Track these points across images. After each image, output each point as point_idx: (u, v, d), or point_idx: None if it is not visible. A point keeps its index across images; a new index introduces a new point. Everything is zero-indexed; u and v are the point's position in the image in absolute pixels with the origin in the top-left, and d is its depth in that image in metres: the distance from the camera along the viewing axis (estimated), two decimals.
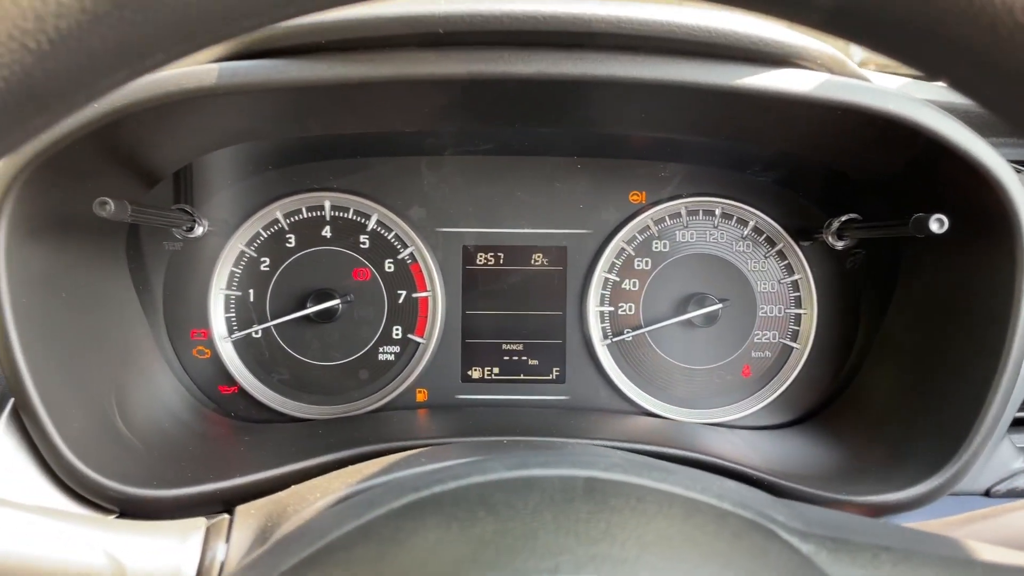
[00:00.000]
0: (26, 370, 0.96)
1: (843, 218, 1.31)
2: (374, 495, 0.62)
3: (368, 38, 0.91)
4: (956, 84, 0.45)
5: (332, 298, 1.38)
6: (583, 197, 1.42)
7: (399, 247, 1.42)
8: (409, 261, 1.43)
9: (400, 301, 1.43)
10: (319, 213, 1.41)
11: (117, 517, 1.01)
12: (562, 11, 0.87)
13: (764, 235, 1.43)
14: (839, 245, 1.34)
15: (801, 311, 1.43)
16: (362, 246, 1.42)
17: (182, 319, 1.39)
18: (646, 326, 1.43)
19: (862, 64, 1.11)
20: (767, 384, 1.44)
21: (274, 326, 1.41)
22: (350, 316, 1.42)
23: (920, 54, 0.43)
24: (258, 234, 1.40)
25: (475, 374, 1.45)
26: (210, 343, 1.40)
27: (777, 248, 1.42)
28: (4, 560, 0.72)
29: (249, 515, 0.86)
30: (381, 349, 1.43)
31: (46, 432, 0.96)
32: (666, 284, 1.43)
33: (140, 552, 0.78)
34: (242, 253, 1.40)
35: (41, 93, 0.40)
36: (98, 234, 1.16)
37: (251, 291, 1.41)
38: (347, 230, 1.41)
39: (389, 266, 1.42)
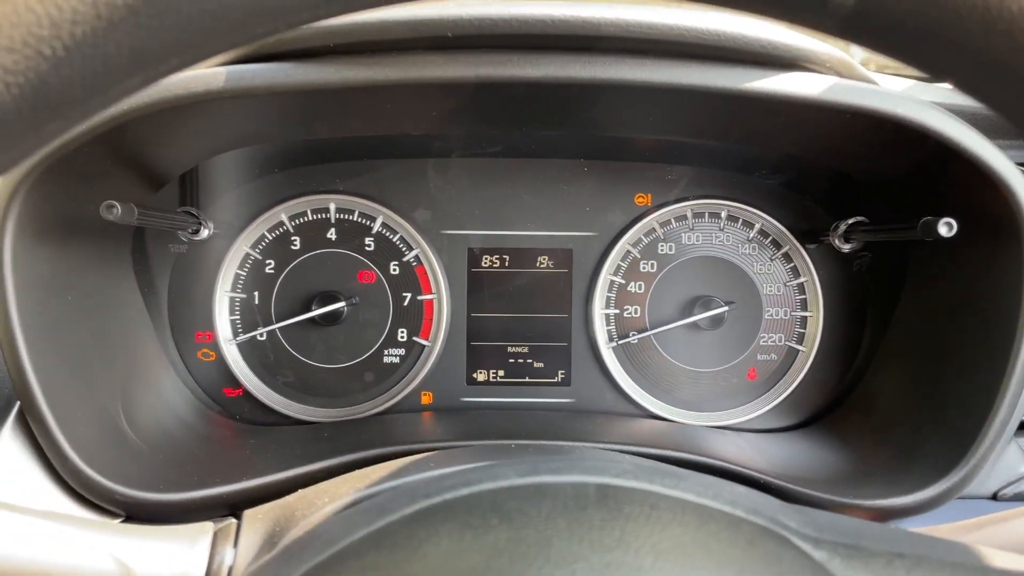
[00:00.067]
0: (32, 373, 0.96)
1: (850, 221, 1.31)
2: (384, 501, 0.62)
3: (376, 41, 0.91)
4: (966, 87, 0.45)
5: (337, 301, 1.38)
6: (589, 200, 1.42)
7: (404, 249, 1.42)
8: (414, 263, 1.42)
9: (405, 303, 1.43)
10: (324, 215, 1.41)
11: (123, 521, 1.01)
12: (571, 14, 0.87)
13: (770, 238, 1.43)
14: (845, 248, 1.34)
15: (807, 314, 1.43)
16: (367, 248, 1.42)
17: (187, 322, 1.39)
18: (652, 329, 1.42)
19: (861, 64, 1.11)
20: (773, 387, 1.44)
21: (279, 329, 1.41)
22: (355, 319, 1.42)
23: (935, 59, 0.43)
24: (263, 236, 1.40)
25: (480, 377, 1.45)
26: (215, 346, 1.40)
27: (783, 251, 1.42)
28: (12, 565, 0.72)
29: (257, 519, 0.85)
30: (386, 352, 1.43)
31: (52, 436, 0.96)
32: (672, 287, 1.43)
33: (148, 557, 0.77)
34: (247, 255, 1.40)
35: (56, 99, 0.40)
36: (103, 237, 1.16)
37: (256, 293, 1.41)
38: (352, 232, 1.41)
39: (394, 268, 1.42)
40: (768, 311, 1.43)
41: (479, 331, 1.44)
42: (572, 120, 1.12)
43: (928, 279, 1.23)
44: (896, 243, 1.30)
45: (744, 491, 0.70)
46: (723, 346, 1.43)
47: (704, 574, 0.49)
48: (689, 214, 1.42)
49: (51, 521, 0.76)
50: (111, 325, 1.19)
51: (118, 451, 1.06)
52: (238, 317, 1.41)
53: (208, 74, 0.90)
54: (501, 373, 1.45)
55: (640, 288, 1.44)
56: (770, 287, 1.43)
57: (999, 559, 0.64)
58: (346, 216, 1.41)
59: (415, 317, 1.43)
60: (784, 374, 1.44)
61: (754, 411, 1.43)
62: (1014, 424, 1.06)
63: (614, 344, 1.44)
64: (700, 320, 1.40)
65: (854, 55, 1.12)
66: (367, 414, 1.42)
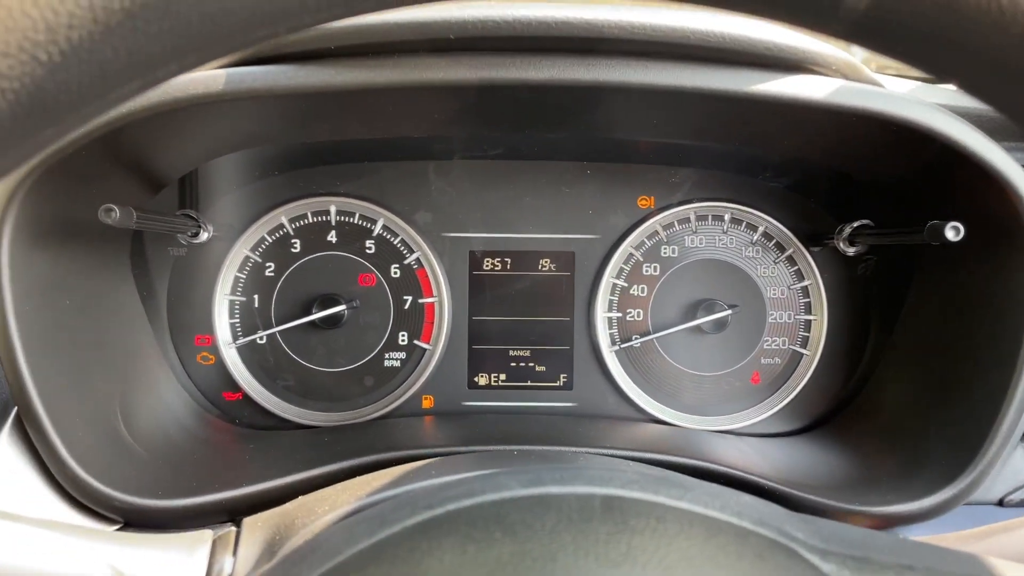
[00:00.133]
0: (30, 378, 0.95)
1: (855, 224, 1.30)
2: (386, 511, 0.61)
3: (377, 43, 0.90)
4: (974, 89, 0.44)
5: (338, 304, 1.37)
6: (591, 202, 1.41)
7: (405, 252, 1.41)
8: (415, 266, 1.41)
9: (406, 307, 1.42)
10: (325, 218, 1.40)
11: (121, 527, 1.00)
12: (574, 16, 0.86)
13: (774, 240, 1.42)
14: (850, 251, 1.33)
15: (811, 317, 1.42)
16: (368, 251, 1.41)
17: (186, 325, 1.38)
18: (654, 332, 1.42)
19: (861, 63, 1.10)
20: (777, 391, 1.43)
21: (279, 332, 1.40)
22: (356, 322, 1.41)
23: (945, 62, 0.42)
24: (263, 239, 1.39)
25: (482, 380, 1.44)
26: (214, 349, 1.39)
27: (787, 254, 1.41)
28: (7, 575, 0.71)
29: (256, 528, 0.84)
30: (387, 355, 1.42)
31: (50, 442, 0.95)
32: (675, 290, 1.42)
33: (146, 566, 0.76)
34: (247, 258, 1.39)
35: (52, 105, 0.39)
36: (102, 240, 1.15)
37: (256, 296, 1.40)
38: (353, 235, 1.40)
39: (395, 271, 1.41)
40: (772, 314, 1.42)
41: (480, 334, 1.43)
42: (575, 123, 1.11)
43: (934, 283, 1.22)
44: (901, 246, 1.29)
45: (750, 500, 0.69)
46: (726, 350, 1.42)
47: None
48: (692, 216, 1.41)
49: (47, 530, 0.75)
50: (109, 329, 1.18)
51: (116, 456, 1.05)
52: (238, 320, 1.40)
53: (208, 76, 0.89)
54: (503, 377, 1.44)
55: (643, 291, 1.43)
56: (774, 290, 1.42)
57: (1008, 570, 0.63)
58: (347, 218, 1.40)
59: (416, 320, 1.42)
60: (788, 378, 1.43)
61: (758, 415, 1.42)
62: (1021, 429, 1.05)
63: (616, 348, 1.43)
64: (703, 324, 1.39)
65: (854, 54, 1.11)
66: (368, 418, 1.41)
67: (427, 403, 1.43)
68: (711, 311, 1.39)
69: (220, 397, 1.40)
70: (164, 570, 0.77)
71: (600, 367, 1.43)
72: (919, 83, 1.35)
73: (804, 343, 1.42)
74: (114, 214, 0.97)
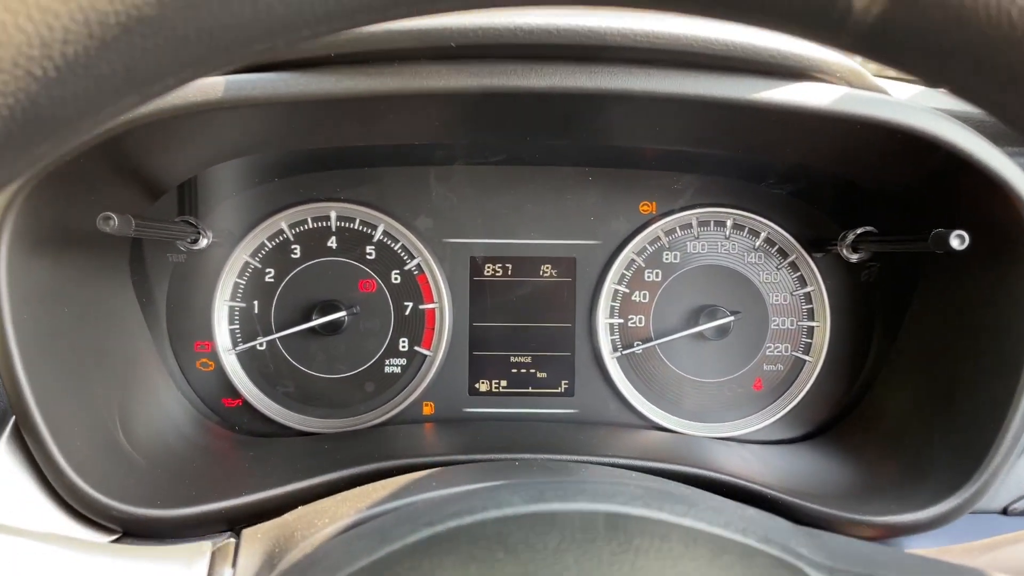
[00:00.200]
0: (28, 387, 0.94)
1: (858, 231, 1.29)
2: (386, 527, 0.60)
3: (378, 51, 0.89)
4: (982, 102, 0.44)
5: (338, 310, 1.36)
6: (593, 208, 1.40)
7: (406, 258, 1.40)
8: (416, 272, 1.41)
9: (407, 313, 1.41)
10: (325, 224, 1.39)
11: (120, 537, 0.99)
12: (577, 24, 0.85)
13: (776, 246, 1.41)
14: (854, 258, 1.32)
15: (814, 323, 1.41)
16: (368, 257, 1.40)
17: (186, 331, 1.37)
18: (656, 338, 1.41)
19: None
20: (779, 397, 1.42)
21: (279, 338, 1.39)
22: (356, 328, 1.40)
23: (951, 74, 0.42)
24: (263, 245, 1.39)
25: (483, 387, 1.43)
26: (214, 355, 1.38)
27: (790, 260, 1.40)
28: None
29: (255, 539, 0.84)
30: (387, 361, 1.41)
31: (48, 451, 0.95)
32: (677, 296, 1.41)
33: None
34: (247, 264, 1.38)
35: (47, 120, 0.39)
36: (101, 247, 1.14)
37: (256, 303, 1.39)
38: (353, 241, 1.39)
39: (396, 277, 1.40)
40: (774, 321, 1.41)
41: (481, 341, 1.42)
42: (577, 130, 1.11)
43: (938, 290, 1.21)
44: (905, 253, 1.28)
45: (755, 515, 0.68)
46: (728, 356, 1.42)
47: None
48: (694, 222, 1.41)
49: (44, 543, 0.74)
50: (108, 336, 1.17)
51: (115, 465, 1.04)
52: (237, 326, 1.39)
53: (207, 84, 0.88)
54: (504, 383, 1.43)
55: (645, 297, 1.42)
56: (776, 296, 1.41)
57: None
58: (347, 224, 1.39)
59: (417, 326, 1.41)
60: (790, 385, 1.42)
61: (760, 422, 1.41)
62: None
63: (618, 354, 1.42)
64: (705, 330, 1.38)
65: (858, 61, 1.11)
66: (368, 425, 1.40)
67: (428, 410, 1.43)
68: (713, 317, 1.38)
69: (219, 404, 1.39)
70: None
71: (601, 373, 1.42)
72: (921, 89, 1.34)
73: (807, 350, 1.41)
74: (113, 222, 0.96)
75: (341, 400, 1.41)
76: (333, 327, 1.37)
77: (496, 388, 1.43)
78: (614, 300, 1.42)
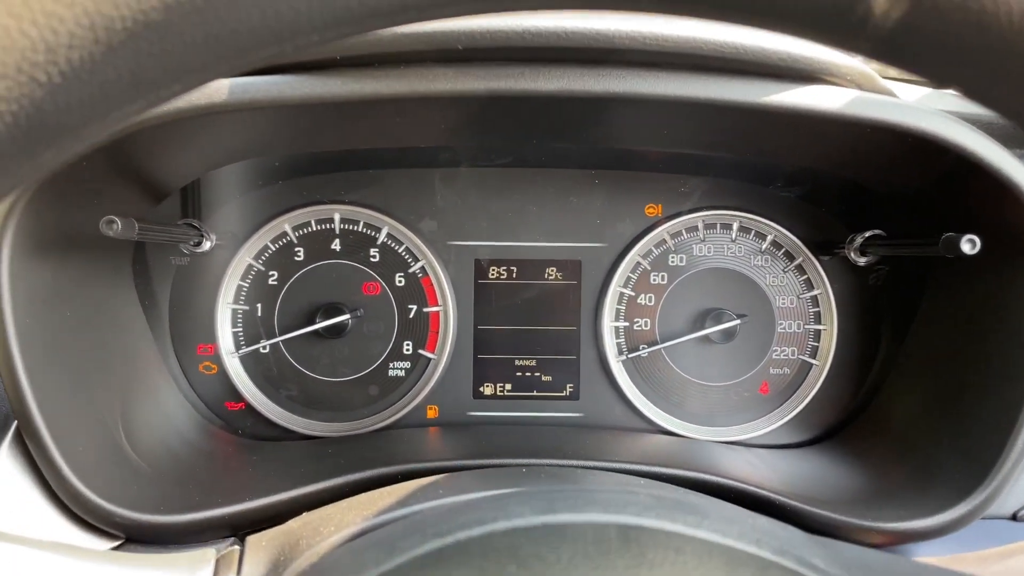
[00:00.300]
0: (29, 392, 0.93)
1: (867, 234, 1.28)
2: (394, 537, 0.59)
3: (384, 53, 0.88)
4: (999, 107, 0.44)
5: (341, 313, 1.35)
6: (598, 210, 1.39)
7: (410, 261, 1.39)
8: (420, 275, 1.40)
9: (411, 316, 1.40)
10: (329, 226, 1.38)
11: (123, 543, 0.98)
12: (585, 27, 0.84)
13: (783, 249, 1.40)
14: (862, 261, 1.31)
15: (821, 327, 1.40)
16: (372, 260, 1.39)
17: (188, 334, 1.36)
18: (662, 342, 1.40)
19: None
20: (786, 401, 1.41)
21: (282, 341, 1.38)
22: (360, 331, 1.39)
23: (973, 82, 0.42)
24: (266, 247, 1.38)
25: (487, 390, 1.42)
26: (217, 358, 1.37)
27: (796, 263, 1.39)
28: None
29: (260, 547, 0.83)
30: (391, 365, 1.41)
31: (50, 456, 0.94)
32: (683, 299, 1.40)
33: None
34: (250, 267, 1.38)
35: (51, 127, 0.38)
36: (103, 250, 1.14)
37: (259, 305, 1.38)
38: (357, 243, 1.39)
39: (400, 280, 1.40)
40: (781, 324, 1.40)
41: (486, 344, 1.41)
42: (585, 134, 1.10)
43: (946, 293, 1.20)
44: (914, 256, 1.27)
45: (767, 525, 0.67)
46: (735, 360, 1.41)
47: None
48: (700, 225, 1.40)
49: (46, 551, 0.73)
50: (111, 339, 1.16)
51: (118, 471, 1.03)
52: (240, 329, 1.38)
53: (211, 87, 0.87)
54: (508, 387, 1.42)
55: (650, 300, 1.41)
56: (783, 300, 1.40)
57: None
58: (351, 227, 1.39)
59: (421, 329, 1.40)
60: (797, 388, 1.41)
61: (766, 426, 1.40)
62: None
63: (624, 357, 1.41)
64: (712, 333, 1.37)
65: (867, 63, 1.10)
66: (372, 428, 1.39)
67: (432, 413, 1.42)
68: (719, 321, 1.37)
69: (223, 407, 1.38)
70: None
71: (607, 377, 1.41)
72: (929, 91, 1.33)
73: (813, 353, 1.40)
74: (115, 226, 0.96)
75: (345, 404, 1.40)
76: (337, 330, 1.36)
77: (501, 392, 1.42)
78: (619, 303, 1.41)
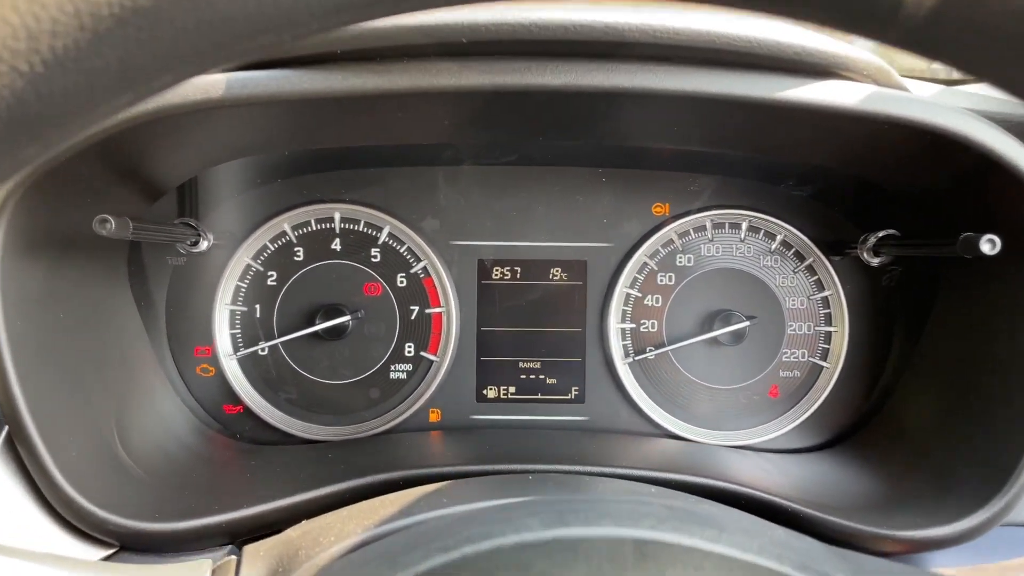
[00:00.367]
0: (21, 396, 0.91)
1: (880, 234, 1.25)
2: (397, 550, 0.56)
3: (385, 47, 0.85)
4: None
5: (342, 314, 1.33)
6: (604, 209, 1.37)
7: (412, 261, 1.37)
8: (422, 275, 1.37)
9: (412, 317, 1.37)
10: (328, 225, 1.36)
11: (117, 551, 0.96)
12: (594, 19, 0.81)
13: (793, 249, 1.37)
14: (875, 262, 1.29)
15: (831, 329, 1.37)
16: (373, 260, 1.36)
17: (185, 336, 1.34)
18: (669, 344, 1.37)
19: None
20: (796, 404, 1.38)
21: (281, 343, 1.35)
22: (360, 333, 1.37)
23: (1007, 72, 0.40)
24: (265, 247, 1.35)
25: (490, 393, 1.39)
26: (214, 360, 1.34)
27: (807, 263, 1.37)
28: None
29: (258, 556, 0.80)
30: (393, 367, 1.38)
31: (42, 462, 0.91)
32: (690, 300, 1.38)
33: None
34: (248, 267, 1.35)
35: (34, 120, 0.36)
36: (98, 249, 1.11)
37: (257, 306, 1.36)
38: (358, 243, 1.36)
39: (401, 281, 1.37)
40: (791, 326, 1.38)
41: (489, 346, 1.39)
42: (592, 131, 1.07)
43: (961, 294, 1.18)
44: (927, 257, 1.24)
45: (786, 537, 0.65)
46: (744, 362, 1.38)
47: None
48: (708, 224, 1.37)
49: (36, 563, 0.70)
50: (106, 341, 1.14)
51: (112, 477, 1.00)
52: (239, 331, 1.36)
53: (207, 82, 0.85)
54: (512, 389, 1.39)
55: (657, 301, 1.38)
56: (793, 301, 1.38)
57: None
58: (351, 226, 1.36)
59: (423, 331, 1.38)
60: (808, 391, 1.38)
61: (777, 430, 1.38)
62: None
63: (630, 360, 1.38)
64: (720, 335, 1.34)
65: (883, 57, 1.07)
66: (373, 432, 1.36)
67: (434, 416, 1.39)
68: (728, 322, 1.34)
69: (220, 411, 1.36)
70: None
71: (613, 380, 1.38)
72: (944, 87, 1.31)
73: (824, 355, 1.38)
74: (109, 225, 0.93)
75: (345, 407, 1.38)
76: (337, 332, 1.33)
77: (504, 394, 1.39)
78: (626, 304, 1.38)
